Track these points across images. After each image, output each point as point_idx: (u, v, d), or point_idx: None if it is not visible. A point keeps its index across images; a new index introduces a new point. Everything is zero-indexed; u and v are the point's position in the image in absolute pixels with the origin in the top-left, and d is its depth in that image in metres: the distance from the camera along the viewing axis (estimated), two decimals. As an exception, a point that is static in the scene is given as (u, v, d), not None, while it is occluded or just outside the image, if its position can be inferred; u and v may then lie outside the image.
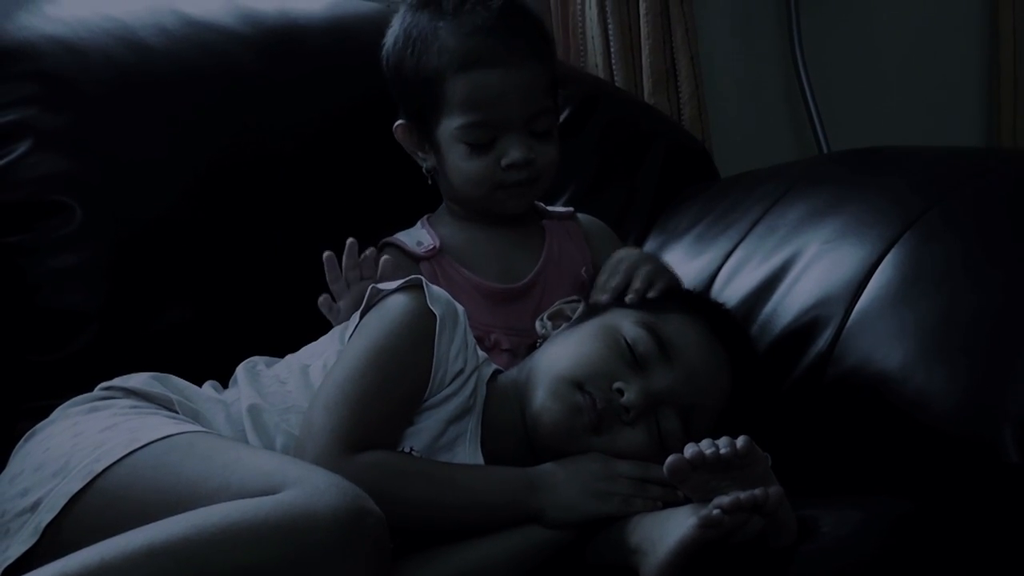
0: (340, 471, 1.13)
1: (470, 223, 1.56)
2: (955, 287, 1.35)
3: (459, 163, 1.50)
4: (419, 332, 1.27)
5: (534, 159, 1.49)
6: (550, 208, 1.62)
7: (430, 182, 1.58)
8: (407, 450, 1.26)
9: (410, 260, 1.52)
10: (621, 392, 1.25)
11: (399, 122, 1.56)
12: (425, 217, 1.59)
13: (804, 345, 1.43)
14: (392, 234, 1.56)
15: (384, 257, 1.46)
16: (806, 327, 1.44)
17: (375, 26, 1.63)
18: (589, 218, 1.65)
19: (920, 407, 1.28)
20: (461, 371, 1.29)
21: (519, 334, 1.48)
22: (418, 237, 1.55)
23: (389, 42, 1.56)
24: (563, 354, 1.30)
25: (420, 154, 1.56)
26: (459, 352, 1.29)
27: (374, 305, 1.31)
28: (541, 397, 1.27)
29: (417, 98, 1.52)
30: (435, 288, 1.30)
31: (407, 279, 1.31)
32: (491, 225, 1.55)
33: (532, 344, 1.40)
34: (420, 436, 1.27)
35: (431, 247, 1.53)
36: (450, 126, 1.49)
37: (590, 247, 1.60)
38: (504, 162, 1.48)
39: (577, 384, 1.26)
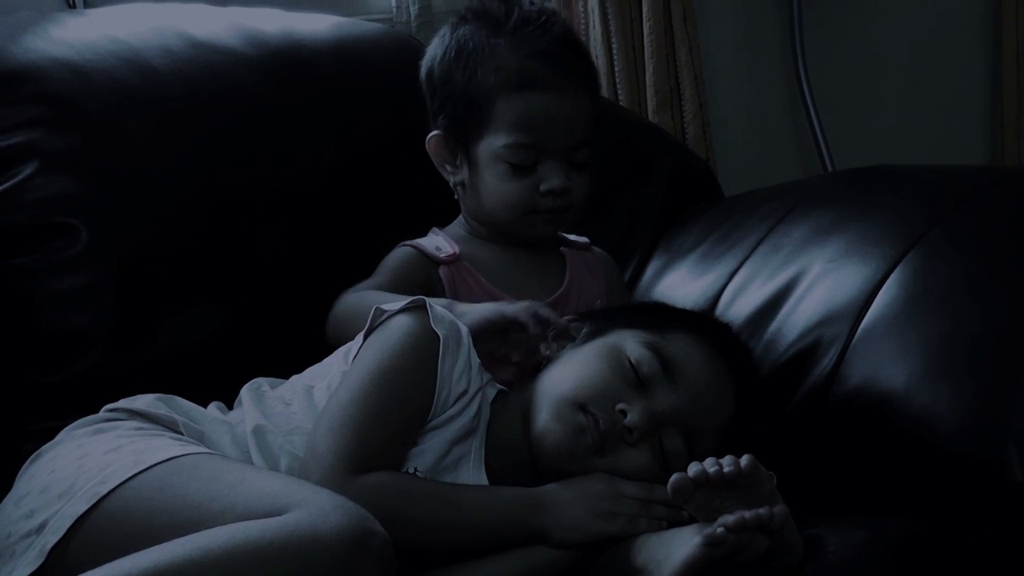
0: (344, 492, 1.13)
1: (487, 242, 1.56)
2: (959, 306, 1.35)
3: (496, 183, 1.50)
4: (422, 353, 1.27)
5: (570, 188, 1.50)
6: (568, 236, 1.62)
7: (456, 196, 1.57)
8: (411, 471, 1.26)
9: (430, 262, 1.52)
10: (624, 413, 1.25)
11: (434, 133, 1.55)
12: (435, 228, 1.59)
13: (809, 364, 1.43)
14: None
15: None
16: (810, 346, 1.44)
17: (380, 47, 1.64)
18: (603, 252, 1.65)
19: (925, 426, 1.28)
20: (465, 392, 1.29)
21: (531, 349, 1.48)
22: (435, 243, 1.55)
23: (438, 53, 1.55)
24: (566, 375, 1.30)
25: (449, 168, 1.55)
26: (463, 373, 1.29)
27: (377, 326, 1.31)
28: (544, 418, 1.27)
29: (463, 111, 1.51)
30: (438, 309, 1.30)
31: (410, 300, 1.31)
32: (508, 247, 1.55)
33: (538, 363, 1.40)
34: (424, 457, 1.27)
35: (451, 252, 1.53)
36: (494, 144, 1.49)
37: (605, 282, 1.61)
38: (543, 187, 1.49)
39: (580, 405, 1.26)
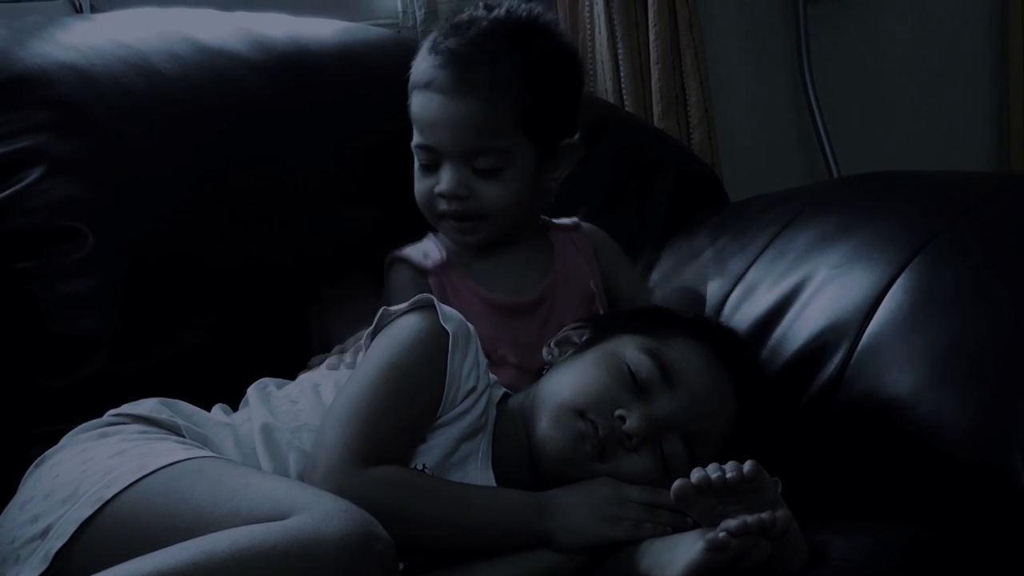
0: (351, 484, 1.14)
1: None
2: (965, 312, 1.35)
3: (415, 180, 1.51)
4: (432, 349, 1.27)
5: (466, 195, 1.47)
6: (555, 220, 1.61)
7: None
8: (419, 467, 1.26)
9: (419, 274, 1.52)
10: (623, 419, 1.25)
11: None
12: (430, 233, 1.58)
13: (814, 370, 1.43)
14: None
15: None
16: (816, 352, 1.44)
17: (385, 52, 1.64)
18: (592, 228, 1.63)
19: (930, 432, 1.28)
20: (473, 389, 1.29)
21: (526, 348, 1.48)
22: (425, 250, 1.54)
23: None
24: (566, 382, 1.30)
25: None
26: (471, 370, 1.29)
27: (385, 326, 1.32)
28: (544, 425, 1.27)
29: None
30: (446, 307, 1.31)
31: (417, 299, 1.31)
32: (496, 244, 1.54)
33: (540, 366, 1.40)
34: (431, 453, 1.27)
35: (439, 260, 1.52)
36: (413, 141, 1.50)
37: (596, 259, 1.59)
38: (436, 189, 1.48)
39: (579, 412, 1.26)
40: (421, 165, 1.49)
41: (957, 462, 1.25)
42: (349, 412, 1.24)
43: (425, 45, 1.51)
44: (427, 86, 1.47)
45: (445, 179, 1.47)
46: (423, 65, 1.49)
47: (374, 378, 1.26)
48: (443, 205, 1.48)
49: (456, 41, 1.47)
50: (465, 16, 1.50)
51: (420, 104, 1.48)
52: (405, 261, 1.53)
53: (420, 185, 1.50)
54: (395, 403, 1.25)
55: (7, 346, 1.46)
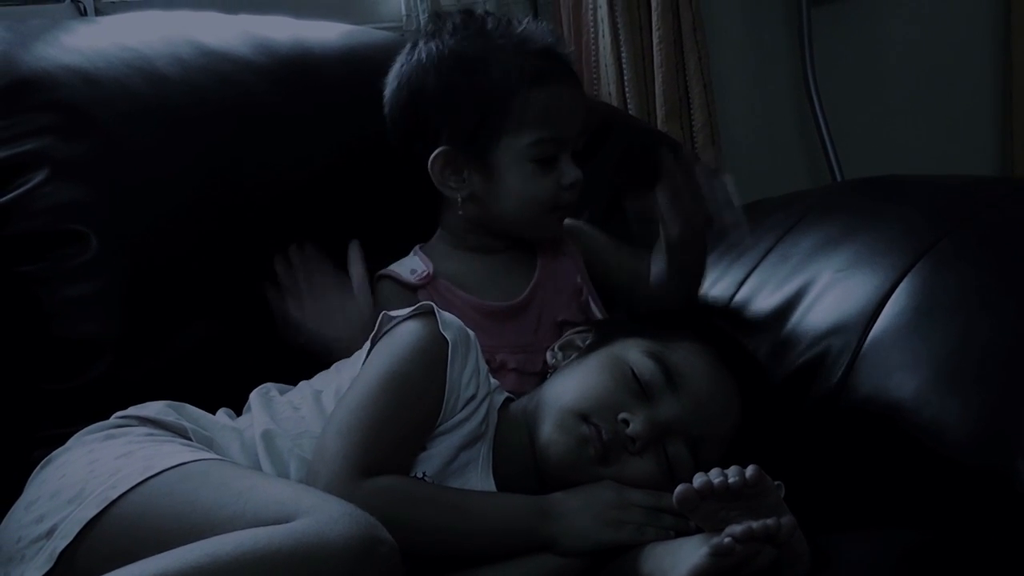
0: (352, 496, 1.14)
1: (465, 252, 1.55)
2: (968, 316, 1.35)
3: (521, 184, 1.49)
4: (431, 358, 1.27)
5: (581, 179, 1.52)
6: None
7: (460, 212, 1.54)
8: (419, 475, 1.26)
9: (406, 290, 1.52)
10: (627, 423, 1.25)
11: (442, 149, 1.50)
12: (418, 246, 1.58)
13: (817, 374, 1.43)
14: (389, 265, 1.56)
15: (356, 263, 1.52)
16: (819, 356, 1.44)
17: (388, 55, 1.64)
18: (571, 221, 1.62)
19: (933, 436, 1.28)
20: (473, 397, 1.29)
21: (524, 351, 1.48)
22: (411, 265, 1.54)
23: (420, 70, 1.53)
24: (569, 386, 1.30)
25: (453, 183, 1.51)
26: (471, 378, 1.29)
27: (385, 333, 1.32)
28: (548, 430, 1.28)
29: (472, 118, 1.49)
30: (446, 314, 1.31)
31: (418, 306, 1.31)
32: (486, 252, 1.55)
33: (542, 371, 1.40)
34: (432, 461, 1.27)
35: (424, 273, 1.52)
36: (517, 144, 1.48)
37: (579, 252, 1.60)
38: (565, 181, 1.49)
39: (582, 416, 1.26)
40: (539, 161, 1.49)
41: (960, 467, 1.25)
42: (348, 423, 1.24)
43: (493, 47, 1.50)
44: (551, 79, 1.49)
45: (573, 169, 1.50)
46: (527, 63, 1.49)
47: (374, 388, 1.26)
48: (568, 196, 1.51)
49: (542, 37, 1.52)
50: (494, 22, 1.53)
51: (553, 96, 1.49)
52: (392, 279, 1.53)
53: (541, 183, 1.49)
54: (395, 413, 1.25)
55: (11, 350, 1.46)
